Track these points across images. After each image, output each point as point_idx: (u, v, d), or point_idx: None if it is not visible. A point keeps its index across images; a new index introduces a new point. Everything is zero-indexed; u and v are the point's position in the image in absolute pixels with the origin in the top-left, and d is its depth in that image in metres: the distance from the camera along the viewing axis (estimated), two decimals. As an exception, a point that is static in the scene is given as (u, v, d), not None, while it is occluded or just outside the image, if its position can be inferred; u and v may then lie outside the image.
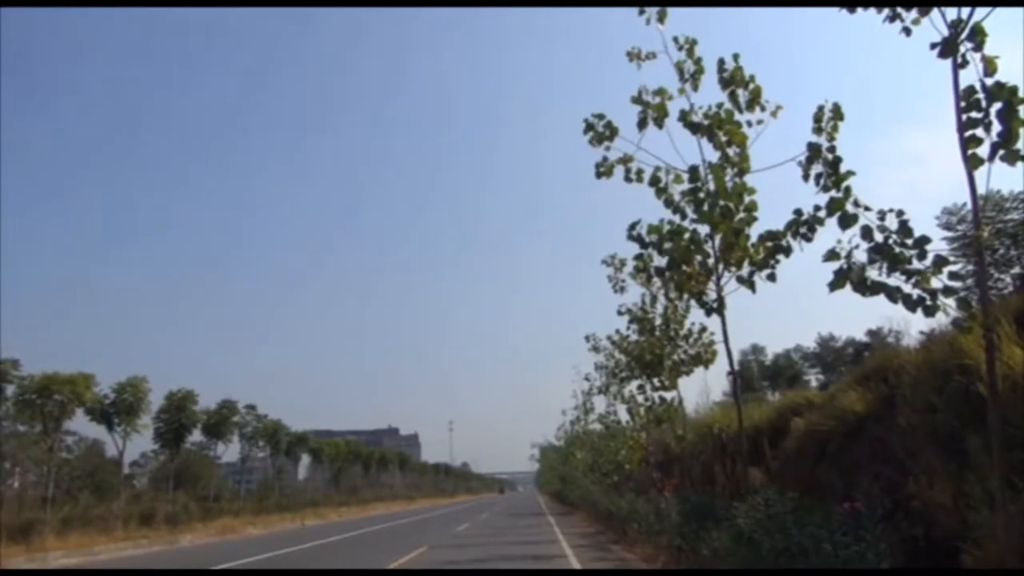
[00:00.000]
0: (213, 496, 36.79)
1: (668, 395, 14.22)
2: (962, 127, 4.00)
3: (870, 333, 51.60)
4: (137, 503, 29.62)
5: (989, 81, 3.90)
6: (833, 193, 5.03)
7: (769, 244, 7.27)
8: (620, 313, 13.81)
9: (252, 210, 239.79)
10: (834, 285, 4.68)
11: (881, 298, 4.51)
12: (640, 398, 15.85)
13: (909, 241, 4.33)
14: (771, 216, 7.70)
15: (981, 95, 3.92)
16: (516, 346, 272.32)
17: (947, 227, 23.70)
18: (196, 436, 32.10)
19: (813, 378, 56.83)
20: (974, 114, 3.96)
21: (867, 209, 4.62)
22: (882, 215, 4.45)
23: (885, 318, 47.52)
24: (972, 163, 4.01)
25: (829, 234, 5.33)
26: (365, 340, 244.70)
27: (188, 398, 30.13)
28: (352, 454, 54.14)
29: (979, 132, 3.97)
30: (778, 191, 8.67)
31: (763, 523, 6.27)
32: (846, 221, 4.71)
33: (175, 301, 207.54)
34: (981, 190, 4.07)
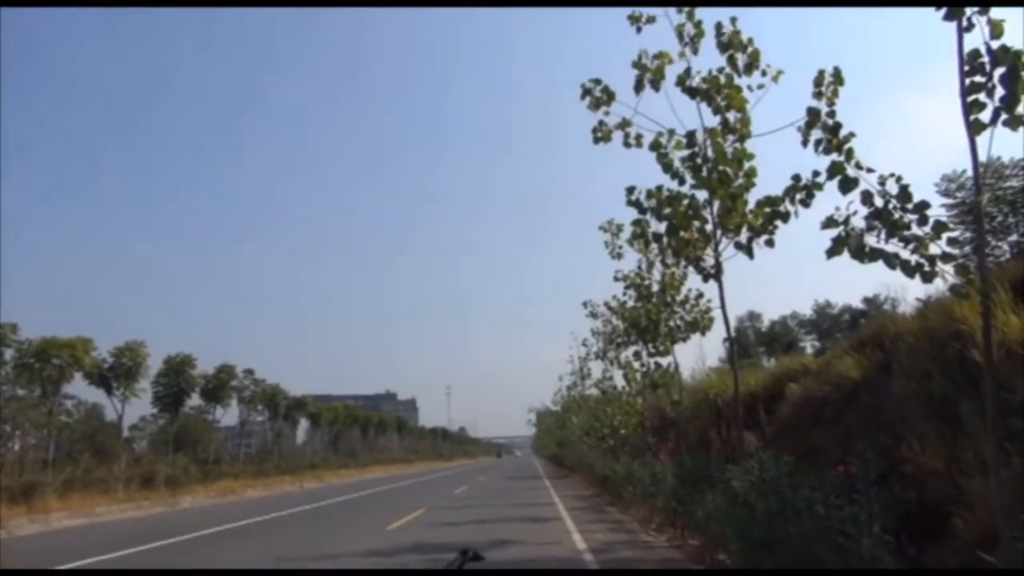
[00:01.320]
0: (213, 459, 37.11)
1: (664, 361, 14.30)
2: (965, 91, 3.95)
3: (866, 300, 51.62)
4: (137, 466, 29.91)
5: (995, 44, 3.84)
6: (834, 156, 4.98)
7: (767, 210, 7.25)
8: (617, 279, 13.82)
9: (252, 177, 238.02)
10: (832, 252, 4.67)
11: (878, 265, 4.50)
12: (636, 364, 15.94)
13: (909, 206, 4.31)
14: (771, 182, 7.67)
15: (986, 59, 3.87)
16: (514, 312, 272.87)
17: (946, 194, 23.50)
18: (195, 400, 32.37)
19: (809, 345, 56.98)
20: (978, 78, 3.91)
21: (869, 171, 4.59)
22: (882, 180, 4.42)
23: (882, 285, 47.59)
24: (974, 128, 3.97)
25: (827, 201, 5.31)
26: (363, 305, 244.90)
27: (186, 362, 30.28)
28: (350, 418, 54.58)
29: (982, 97, 3.93)
30: (778, 157, 8.63)
31: (757, 486, 6.34)
32: (847, 185, 4.68)
33: (174, 266, 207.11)
34: (982, 157, 4.04)
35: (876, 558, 4.65)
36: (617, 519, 15.61)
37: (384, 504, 22.37)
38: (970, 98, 3.96)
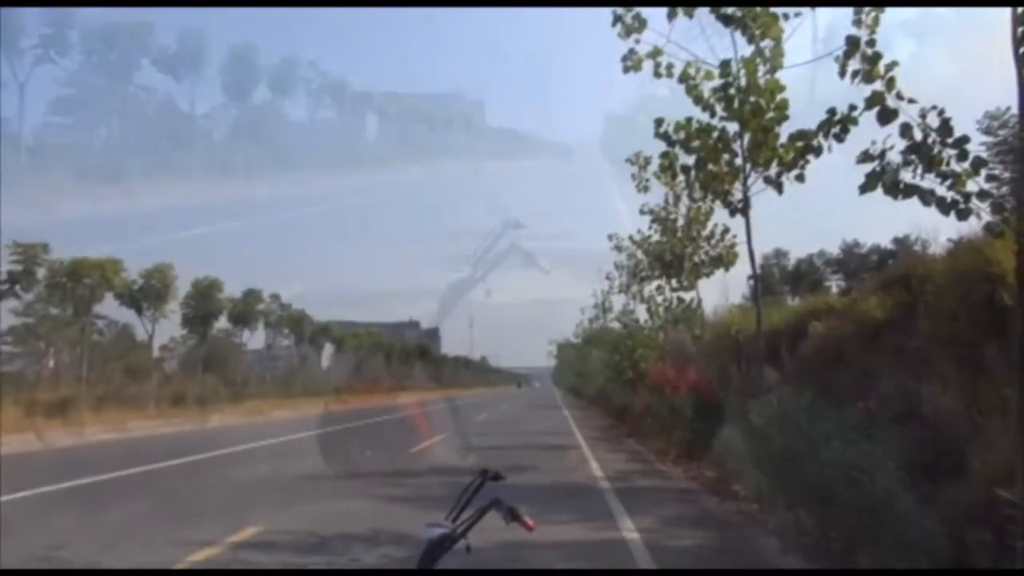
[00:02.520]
0: (240, 381, 38.01)
1: (687, 296, 14.29)
2: (1017, 20, 3.78)
3: (896, 241, 50.58)
4: (168, 384, 30.74)
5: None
6: (875, 86, 4.81)
7: (799, 144, 7.08)
8: (643, 213, 13.71)
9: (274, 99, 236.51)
10: (865, 187, 4.57)
11: (908, 206, 4.40)
12: (659, 298, 15.95)
13: (949, 140, 4.18)
14: (800, 118, 7.43)
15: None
16: (537, 243, 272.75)
17: (987, 131, 22.78)
18: (223, 323, 33.08)
19: (835, 284, 56.27)
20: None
21: (911, 102, 4.44)
22: (923, 112, 4.29)
23: (913, 225, 46.39)
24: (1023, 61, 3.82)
25: (861, 137, 5.18)
26: (389, 235, 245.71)
27: (214, 286, 30.81)
28: (374, 344, 55.50)
29: (1034, 26, 3.76)
30: (809, 95, 8.39)
31: (776, 420, 6.40)
32: (886, 116, 4.53)
33: (201, 191, 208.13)
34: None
35: (890, 492, 4.70)
36: (634, 450, 15.89)
37: (407, 428, 22.89)
38: (1022, 29, 3.79)
